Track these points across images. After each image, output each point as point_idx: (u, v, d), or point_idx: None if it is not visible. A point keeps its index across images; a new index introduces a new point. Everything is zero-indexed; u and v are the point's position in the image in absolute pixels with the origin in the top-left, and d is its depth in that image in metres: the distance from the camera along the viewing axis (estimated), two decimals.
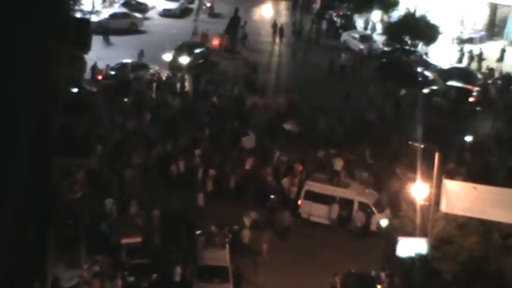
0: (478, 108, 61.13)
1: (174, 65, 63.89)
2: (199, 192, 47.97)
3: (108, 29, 67.89)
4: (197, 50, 66.60)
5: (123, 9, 74.32)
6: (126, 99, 58.46)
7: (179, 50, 65.60)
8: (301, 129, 55.91)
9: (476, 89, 64.17)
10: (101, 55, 59.10)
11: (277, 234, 45.69)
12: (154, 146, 51.96)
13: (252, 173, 50.32)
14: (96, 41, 51.26)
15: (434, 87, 64.71)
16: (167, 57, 64.44)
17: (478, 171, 46.12)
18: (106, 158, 49.64)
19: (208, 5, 76.97)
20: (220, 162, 50.97)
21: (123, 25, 69.72)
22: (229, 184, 49.48)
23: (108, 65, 61.33)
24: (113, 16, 70.74)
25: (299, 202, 48.20)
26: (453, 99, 62.22)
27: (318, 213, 47.61)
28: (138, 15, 73.47)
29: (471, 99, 62.57)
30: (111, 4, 76.18)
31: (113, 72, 61.70)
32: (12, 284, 10.46)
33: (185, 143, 52.59)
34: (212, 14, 76.01)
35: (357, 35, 75.31)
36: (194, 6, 79.18)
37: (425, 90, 63.54)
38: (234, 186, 49.46)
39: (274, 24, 74.65)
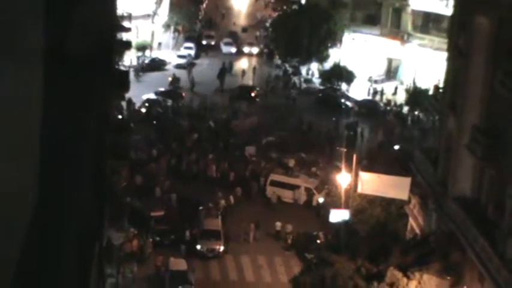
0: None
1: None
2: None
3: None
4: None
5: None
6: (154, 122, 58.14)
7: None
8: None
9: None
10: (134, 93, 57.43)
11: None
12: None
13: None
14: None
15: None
16: (149, 95, 62.99)
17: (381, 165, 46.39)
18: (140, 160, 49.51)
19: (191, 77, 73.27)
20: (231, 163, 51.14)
21: None
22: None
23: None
24: None
25: (266, 187, 48.30)
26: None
27: (279, 194, 47.65)
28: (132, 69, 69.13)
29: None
30: (142, 61, 75.16)
31: (146, 104, 61.28)
32: (82, 243, 10.70)
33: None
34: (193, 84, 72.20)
35: (302, 79, 75.47)
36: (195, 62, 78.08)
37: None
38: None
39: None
